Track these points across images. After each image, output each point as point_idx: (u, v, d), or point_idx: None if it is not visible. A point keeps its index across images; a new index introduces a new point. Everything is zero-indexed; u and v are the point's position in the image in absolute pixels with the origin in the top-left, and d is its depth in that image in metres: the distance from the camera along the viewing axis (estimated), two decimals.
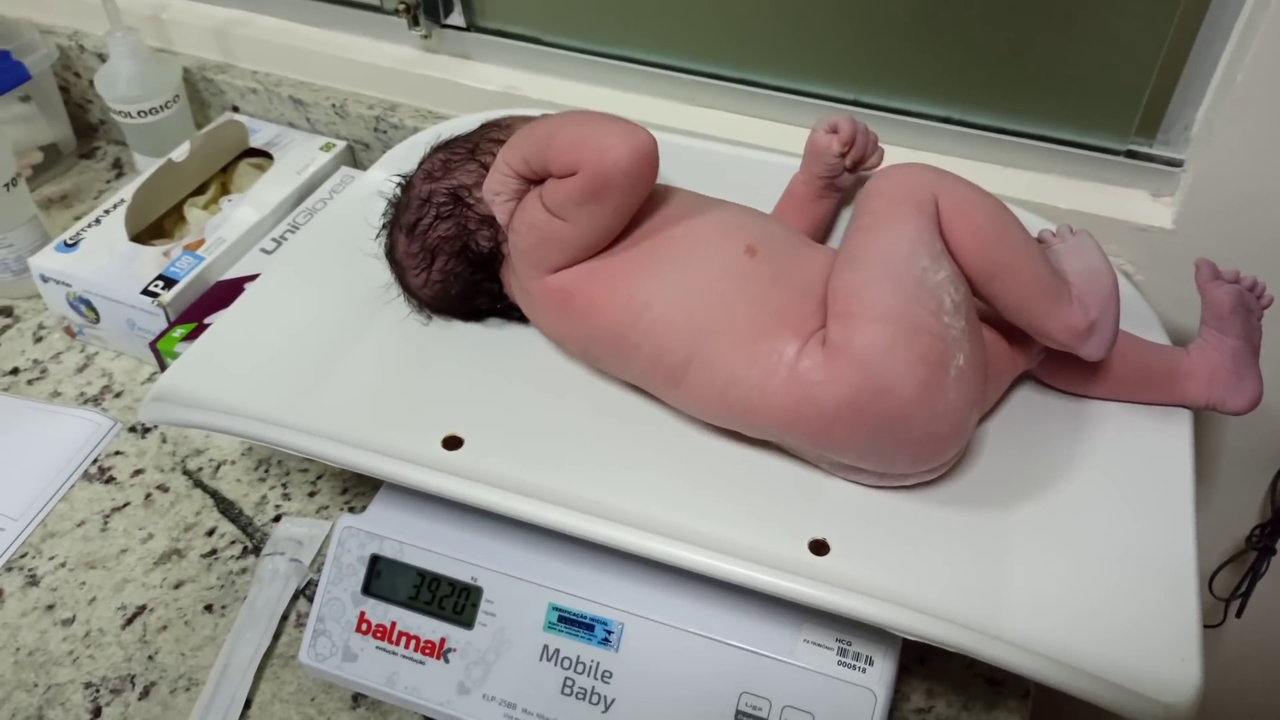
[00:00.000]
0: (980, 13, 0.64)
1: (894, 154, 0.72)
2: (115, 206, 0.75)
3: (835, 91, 0.72)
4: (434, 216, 0.59)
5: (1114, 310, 0.51)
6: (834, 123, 0.59)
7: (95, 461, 0.68)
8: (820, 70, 0.72)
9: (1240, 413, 0.54)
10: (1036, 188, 0.68)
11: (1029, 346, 0.55)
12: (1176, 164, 0.65)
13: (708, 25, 0.73)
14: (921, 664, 0.57)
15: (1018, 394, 0.57)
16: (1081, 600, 0.47)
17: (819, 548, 0.50)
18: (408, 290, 0.62)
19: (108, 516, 0.65)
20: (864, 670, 0.49)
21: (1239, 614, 0.77)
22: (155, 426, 0.70)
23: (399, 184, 0.62)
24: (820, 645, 0.50)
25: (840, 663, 0.49)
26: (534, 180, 0.55)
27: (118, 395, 0.73)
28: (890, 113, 0.71)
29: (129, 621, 0.60)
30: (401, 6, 0.77)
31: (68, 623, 0.60)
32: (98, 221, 0.74)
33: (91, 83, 0.90)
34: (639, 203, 0.54)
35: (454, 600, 0.53)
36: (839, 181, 0.62)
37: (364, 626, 0.54)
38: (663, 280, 0.53)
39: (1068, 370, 0.56)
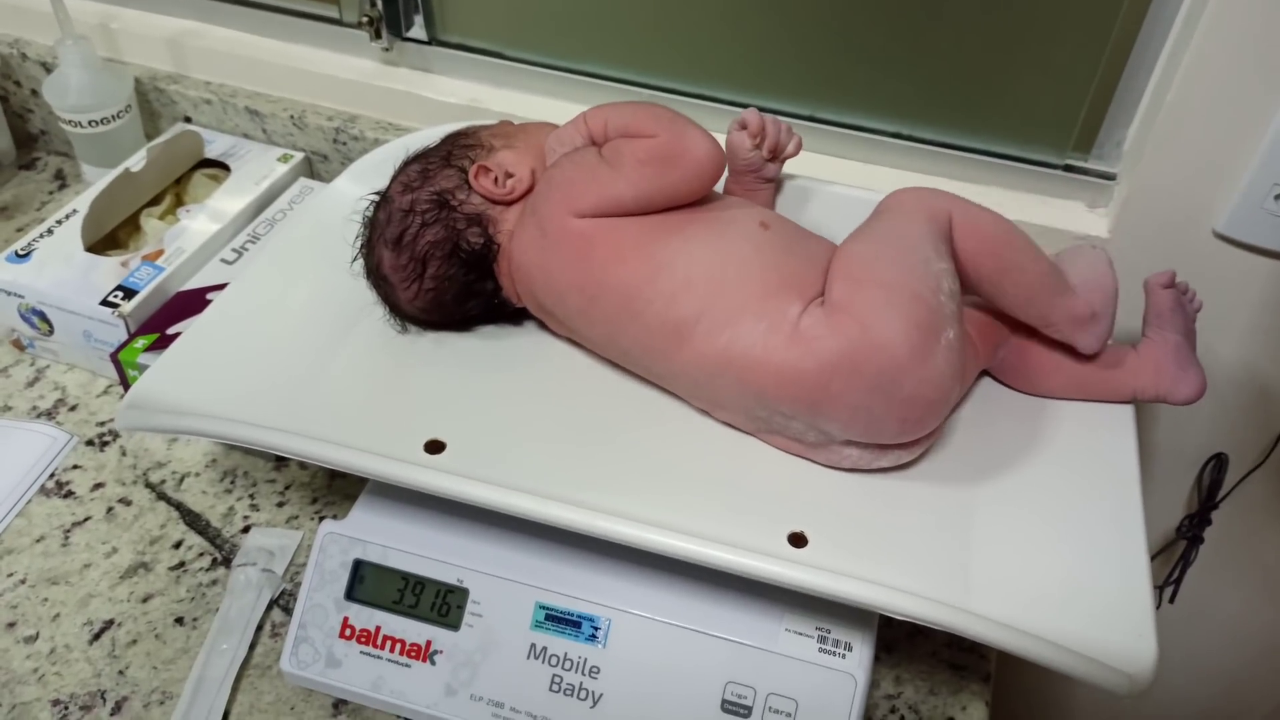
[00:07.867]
0: (930, 35, 0.68)
1: (848, 168, 0.75)
2: (69, 216, 0.73)
3: (790, 107, 0.75)
4: (420, 224, 0.59)
5: (1112, 308, 0.57)
6: (743, 119, 0.62)
7: (52, 476, 0.67)
8: (776, 86, 0.75)
9: (1187, 401, 0.58)
10: (981, 200, 0.70)
11: (990, 343, 0.58)
12: (1110, 177, 0.70)
13: (667, 41, 0.75)
14: (889, 653, 0.59)
15: (977, 392, 0.60)
16: (1044, 580, 0.50)
17: (798, 540, 0.52)
18: (395, 306, 0.61)
19: (68, 531, 0.64)
20: (843, 656, 0.51)
21: (1171, 600, 0.81)
22: (114, 439, 0.69)
23: (373, 202, 0.62)
24: (801, 634, 0.52)
25: (821, 650, 0.51)
26: (599, 144, 0.58)
27: (72, 409, 0.71)
28: (843, 128, 0.74)
29: (96, 637, 0.59)
30: (364, 19, 0.77)
31: (30, 640, 0.59)
32: (50, 232, 0.73)
33: (34, 92, 0.88)
34: (683, 199, 0.57)
35: (440, 602, 0.54)
36: (765, 173, 0.64)
37: (348, 632, 0.54)
38: (686, 243, 0.55)
39: (1025, 370, 0.59)
